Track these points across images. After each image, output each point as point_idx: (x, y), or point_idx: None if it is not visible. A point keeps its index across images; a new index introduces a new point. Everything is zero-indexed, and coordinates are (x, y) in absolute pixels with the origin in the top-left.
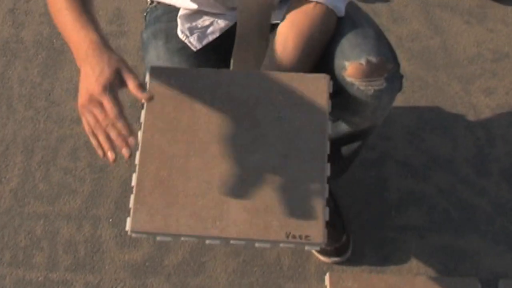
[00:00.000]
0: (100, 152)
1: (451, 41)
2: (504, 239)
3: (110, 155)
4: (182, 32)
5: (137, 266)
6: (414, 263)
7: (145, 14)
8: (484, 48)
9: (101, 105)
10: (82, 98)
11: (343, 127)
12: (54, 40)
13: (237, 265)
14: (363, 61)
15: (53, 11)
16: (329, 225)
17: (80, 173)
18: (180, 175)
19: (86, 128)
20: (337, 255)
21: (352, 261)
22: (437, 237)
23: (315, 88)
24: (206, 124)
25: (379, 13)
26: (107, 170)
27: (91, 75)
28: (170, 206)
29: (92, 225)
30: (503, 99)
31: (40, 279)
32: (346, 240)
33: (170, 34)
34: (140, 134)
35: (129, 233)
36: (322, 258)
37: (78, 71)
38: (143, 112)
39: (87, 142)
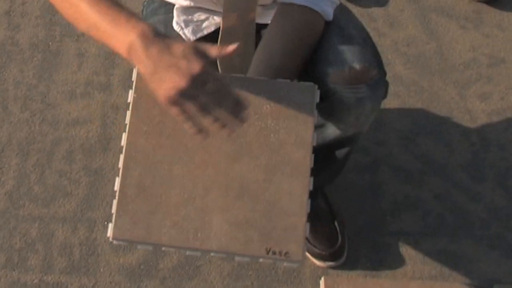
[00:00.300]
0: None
1: (447, 46)
2: (499, 245)
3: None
4: (177, 23)
5: (132, 269)
6: (408, 267)
7: (142, 8)
8: (480, 53)
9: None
10: (171, 91)
11: (329, 133)
12: (50, 43)
13: (232, 269)
14: (346, 68)
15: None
16: (325, 229)
17: (75, 176)
18: (163, 182)
19: (184, 116)
20: (332, 260)
21: (347, 266)
22: (432, 242)
23: (303, 98)
24: None
25: (375, 18)
26: (103, 173)
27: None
28: (152, 214)
29: (87, 228)
30: (499, 104)
31: (35, 281)
32: (341, 244)
33: (168, 25)
34: (124, 136)
35: (110, 239)
36: (317, 262)
37: (73, 73)
38: (128, 113)
39: (83, 144)
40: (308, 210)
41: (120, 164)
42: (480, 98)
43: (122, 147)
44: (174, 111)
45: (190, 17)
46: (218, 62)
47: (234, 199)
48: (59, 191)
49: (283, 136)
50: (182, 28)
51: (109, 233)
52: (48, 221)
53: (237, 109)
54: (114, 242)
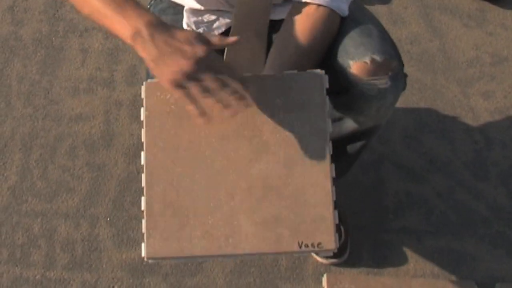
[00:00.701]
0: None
1: (450, 44)
2: (501, 243)
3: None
4: (188, 25)
5: (134, 265)
6: (411, 265)
7: (148, 6)
8: (483, 51)
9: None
10: (176, 75)
11: (347, 126)
12: (53, 38)
13: (234, 266)
14: (367, 60)
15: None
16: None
17: (78, 172)
18: (187, 194)
19: (187, 98)
20: (335, 257)
21: (350, 263)
22: (434, 240)
23: (311, 85)
24: (207, 137)
25: (378, 15)
26: (105, 169)
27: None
28: (182, 228)
29: (90, 223)
30: (502, 102)
31: (37, 277)
32: (344, 242)
33: (176, 26)
34: (143, 154)
35: (145, 259)
36: (319, 259)
37: (77, 69)
38: (143, 132)
39: (85, 140)
40: (334, 198)
41: (143, 183)
42: (483, 96)
43: (142, 166)
44: (178, 93)
45: (200, 18)
46: (224, 56)
47: (259, 199)
48: (62, 187)
49: (298, 128)
50: (192, 30)
51: (143, 253)
52: (50, 217)
53: (240, 91)
54: (150, 261)
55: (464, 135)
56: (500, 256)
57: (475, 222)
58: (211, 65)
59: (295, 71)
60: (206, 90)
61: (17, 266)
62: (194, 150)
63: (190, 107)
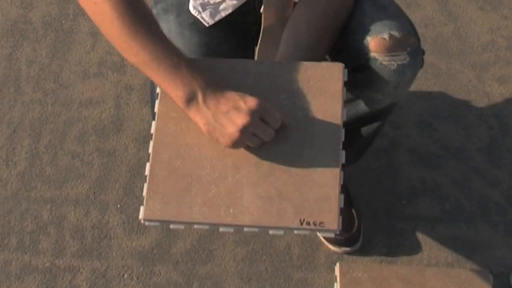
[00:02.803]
0: None
1: (465, 28)
2: None
3: None
4: (195, 8)
5: (144, 253)
6: (425, 254)
7: None
8: (499, 35)
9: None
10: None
11: (363, 107)
12: (63, 21)
13: (246, 254)
14: (386, 36)
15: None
16: (340, 214)
17: (88, 158)
18: (193, 164)
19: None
20: (348, 245)
21: (363, 251)
22: (448, 227)
23: (330, 76)
24: None
25: None
26: (116, 155)
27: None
28: (183, 194)
29: (100, 210)
30: None
31: (46, 265)
32: (357, 230)
33: (181, 9)
34: (154, 123)
35: (142, 221)
36: (332, 248)
37: (87, 52)
38: (157, 102)
39: (96, 125)
40: (341, 182)
41: (150, 150)
42: (498, 81)
43: (151, 134)
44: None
45: (206, 0)
46: (257, 51)
47: (265, 174)
48: (71, 173)
49: (311, 113)
50: (199, 12)
51: (141, 215)
52: (60, 204)
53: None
54: (146, 223)
55: (478, 121)
56: None
57: (489, 209)
58: (264, 115)
59: (315, 62)
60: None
61: (26, 253)
62: None
63: None
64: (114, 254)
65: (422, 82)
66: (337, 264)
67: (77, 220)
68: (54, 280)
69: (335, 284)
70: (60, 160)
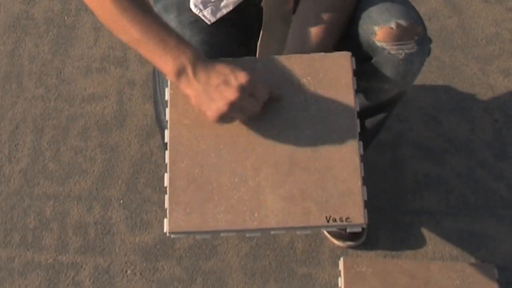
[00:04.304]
0: None
1: (469, 21)
2: None
3: None
4: (196, 6)
5: (148, 249)
6: (429, 248)
7: None
8: (503, 27)
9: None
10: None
11: (369, 97)
12: (65, 17)
13: (249, 249)
14: (393, 25)
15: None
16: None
17: (90, 153)
18: (212, 170)
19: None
20: (352, 240)
21: (367, 246)
22: (453, 221)
23: (339, 66)
24: None
25: None
26: (118, 150)
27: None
28: (206, 202)
29: (103, 206)
30: None
31: (49, 261)
32: None
33: (181, 7)
34: (167, 132)
35: (167, 234)
36: (336, 242)
37: (89, 48)
38: (167, 110)
39: (98, 121)
40: (363, 174)
41: (167, 160)
42: (503, 73)
43: (166, 143)
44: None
45: None
46: (258, 47)
47: (285, 174)
48: (74, 169)
49: (324, 107)
50: (201, 10)
51: (165, 228)
52: (63, 200)
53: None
54: (172, 236)
55: (483, 114)
56: None
57: (494, 202)
58: (254, 91)
59: (323, 53)
60: (250, 117)
61: (29, 250)
62: (219, 127)
63: None
64: (117, 250)
65: (427, 75)
66: (341, 259)
67: (80, 216)
68: (57, 276)
69: (339, 278)
70: (63, 156)
